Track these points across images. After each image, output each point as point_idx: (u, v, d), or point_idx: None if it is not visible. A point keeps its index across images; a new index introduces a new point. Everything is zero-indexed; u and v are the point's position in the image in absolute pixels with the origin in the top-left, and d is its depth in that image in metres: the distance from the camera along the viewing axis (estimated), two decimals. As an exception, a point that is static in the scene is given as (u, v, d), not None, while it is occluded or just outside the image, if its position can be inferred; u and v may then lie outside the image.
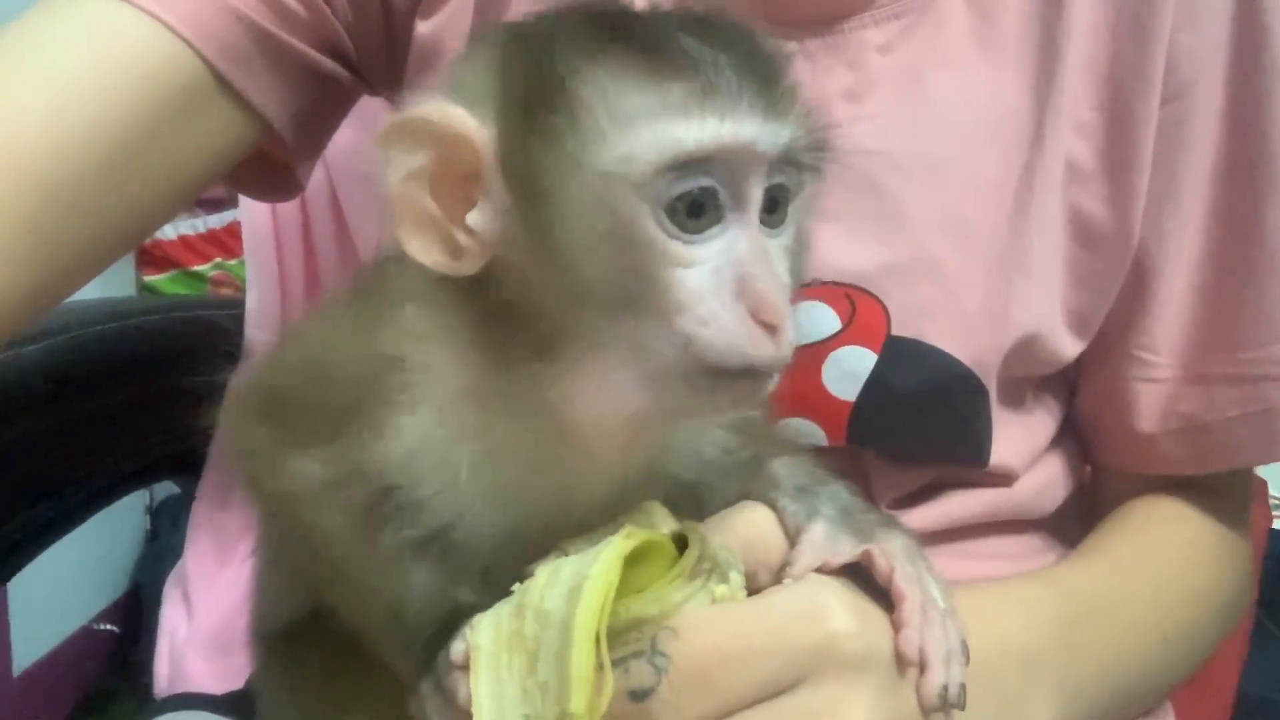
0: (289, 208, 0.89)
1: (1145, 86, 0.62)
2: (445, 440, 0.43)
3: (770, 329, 0.39)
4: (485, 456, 0.43)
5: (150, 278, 2.12)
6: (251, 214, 0.90)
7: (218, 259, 2.12)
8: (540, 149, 0.39)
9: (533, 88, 0.40)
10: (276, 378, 0.46)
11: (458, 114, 0.40)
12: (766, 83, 0.40)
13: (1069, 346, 0.65)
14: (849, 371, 0.61)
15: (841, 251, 0.60)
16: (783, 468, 0.47)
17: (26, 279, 0.55)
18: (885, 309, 0.61)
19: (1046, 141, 0.62)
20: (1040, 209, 0.62)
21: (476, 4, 0.66)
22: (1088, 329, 0.66)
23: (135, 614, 1.95)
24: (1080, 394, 0.71)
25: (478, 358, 0.43)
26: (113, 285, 1.93)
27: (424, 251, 0.41)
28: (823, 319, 0.61)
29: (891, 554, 0.45)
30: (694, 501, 0.48)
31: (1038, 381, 0.69)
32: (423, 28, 0.67)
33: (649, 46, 0.40)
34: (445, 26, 0.66)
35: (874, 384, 0.61)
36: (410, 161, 0.40)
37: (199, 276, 2.14)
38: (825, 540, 0.45)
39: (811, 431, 0.63)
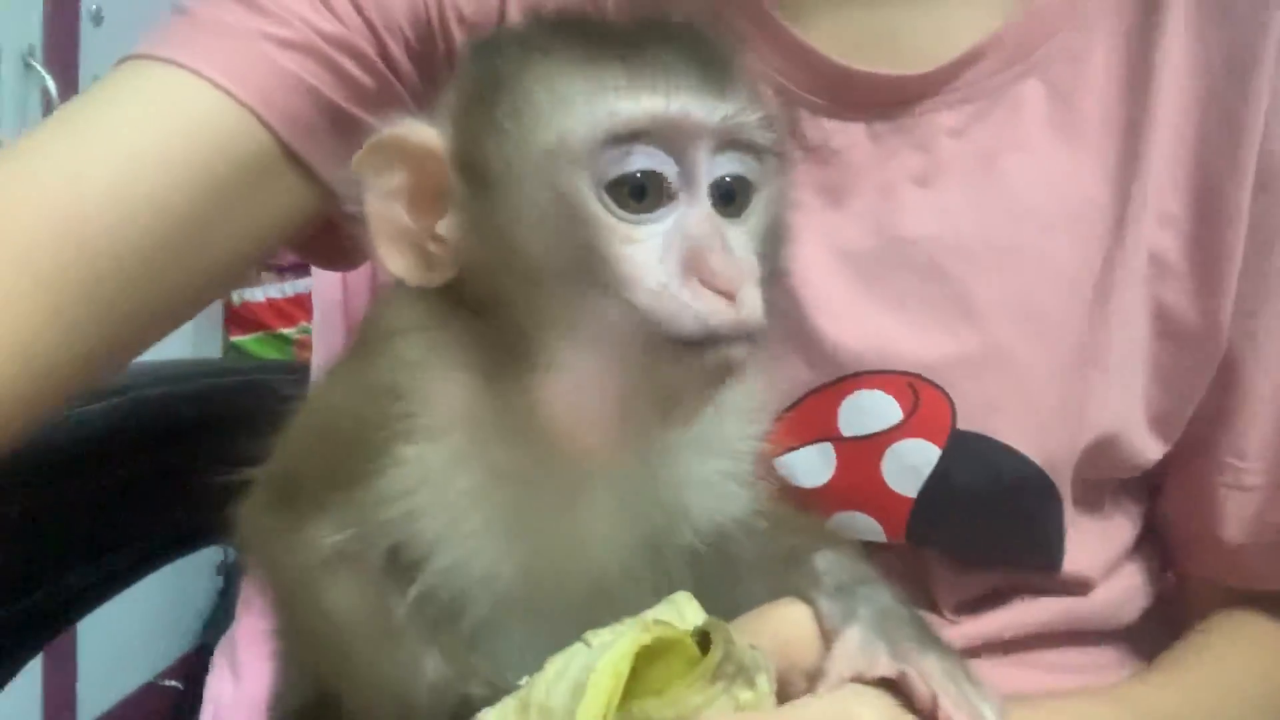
0: (359, 275, 0.89)
1: (1236, 177, 0.59)
2: (444, 468, 0.43)
3: (725, 295, 0.39)
4: (484, 484, 0.43)
5: (237, 338, 2.17)
6: (322, 280, 0.90)
7: (303, 322, 2.16)
8: (488, 139, 0.41)
9: (481, 85, 0.43)
10: (286, 458, 0.46)
11: (423, 130, 0.43)
12: (707, 63, 0.42)
13: (1151, 448, 0.62)
14: (910, 465, 0.58)
15: (905, 339, 0.58)
16: (824, 562, 0.45)
17: (84, 347, 0.55)
18: (950, 401, 0.58)
19: (1128, 232, 0.59)
20: (1120, 302, 0.59)
21: None
22: (1172, 430, 0.62)
23: (200, 671, 1.95)
24: (1164, 498, 0.67)
25: (470, 380, 0.43)
26: (201, 345, 1.98)
27: (401, 266, 0.43)
28: (883, 409, 0.58)
29: (930, 676, 0.42)
30: (725, 565, 0.46)
31: (1117, 484, 0.65)
32: None
33: (590, 37, 0.42)
34: None
35: (937, 480, 0.58)
36: (387, 181, 0.43)
37: (284, 339, 2.18)
38: (860, 648, 0.42)
39: (869, 527, 0.60)
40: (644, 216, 0.40)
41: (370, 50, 0.63)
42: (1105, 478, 0.63)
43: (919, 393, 0.58)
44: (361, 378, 0.45)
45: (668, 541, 0.46)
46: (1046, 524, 0.60)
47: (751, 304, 0.39)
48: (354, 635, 0.43)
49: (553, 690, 0.37)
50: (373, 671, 0.42)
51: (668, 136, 0.40)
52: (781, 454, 0.59)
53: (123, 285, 0.56)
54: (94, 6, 1.52)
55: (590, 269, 0.40)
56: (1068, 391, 0.58)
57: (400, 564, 0.43)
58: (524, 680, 0.39)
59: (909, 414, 0.58)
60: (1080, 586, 0.62)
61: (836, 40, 0.61)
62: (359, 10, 0.62)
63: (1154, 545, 0.68)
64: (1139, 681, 0.61)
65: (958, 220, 0.60)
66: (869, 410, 0.58)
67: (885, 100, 0.61)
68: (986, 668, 0.44)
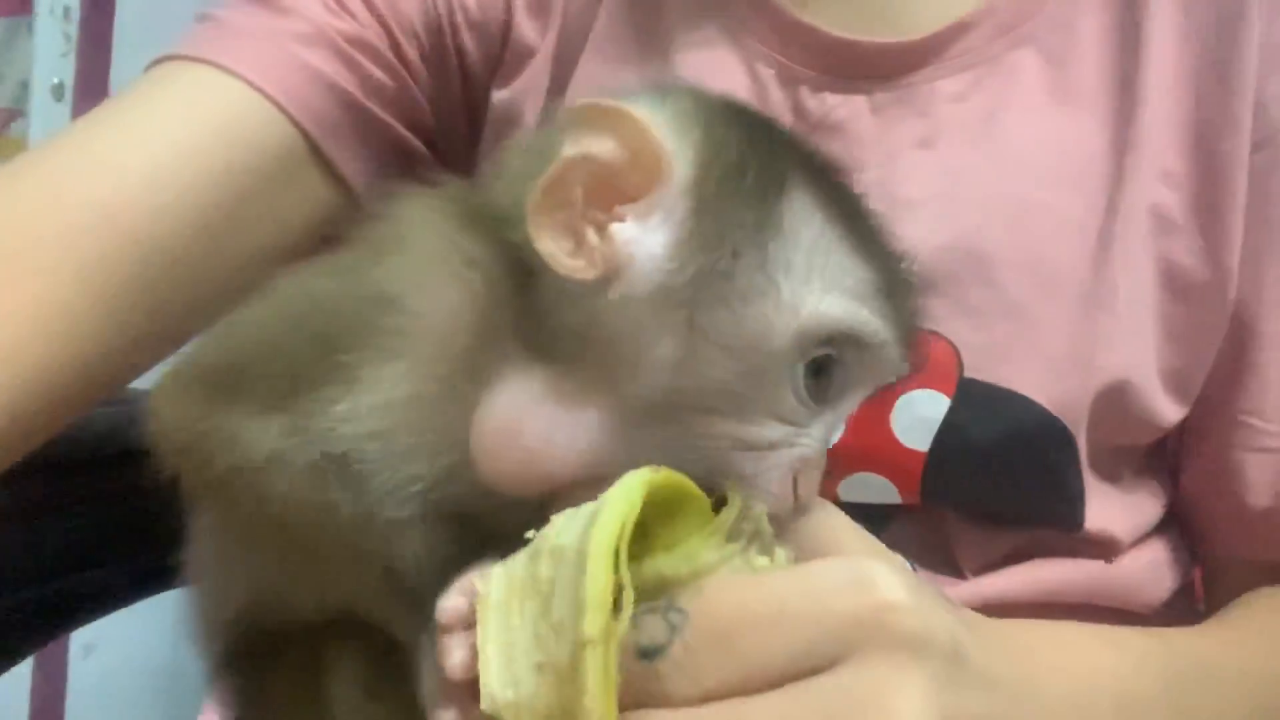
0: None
1: (1233, 133, 0.60)
2: (424, 403, 0.40)
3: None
4: (451, 436, 0.40)
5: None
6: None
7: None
8: (739, 241, 0.38)
9: (752, 183, 0.39)
10: (235, 346, 0.44)
11: (661, 135, 0.38)
12: (914, 296, 0.43)
13: (1167, 409, 0.60)
14: (920, 417, 0.57)
15: None
16: None
17: (131, 333, 0.56)
18: (955, 349, 0.57)
19: (1128, 187, 0.59)
20: (1124, 251, 0.59)
21: (552, 72, 0.67)
22: (1187, 392, 0.61)
23: None
24: (1184, 474, 0.65)
25: (475, 330, 0.40)
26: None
27: (546, 234, 0.38)
28: None
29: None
30: None
31: (1139, 459, 0.63)
32: (499, 96, 0.68)
33: (857, 220, 0.42)
34: (521, 94, 0.68)
35: (948, 431, 0.57)
36: (590, 145, 0.37)
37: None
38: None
39: (884, 487, 0.58)
40: (809, 411, 0.40)
41: (385, 48, 0.65)
42: (1124, 444, 0.61)
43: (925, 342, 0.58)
44: (358, 280, 0.42)
45: None
46: (1064, 474, 0.58)
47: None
48: (318, 519, 0.40)
49: (563, 531, 0.35)
50: (347, 550, 0.40)
51: (867, 360, 0.41)
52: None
53: (165, 271, 0.57)
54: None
55: (726, 428, 0.39)
56: (1077, 336, 0.58)
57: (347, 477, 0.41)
58: (529, 534, 0.37)
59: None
60: (1106, 549, 0.60)
61: (832, 16, 0.63)
62: (371, 10, 0.65)
63: (1179, 533, 0.66)
64: (1179, 629, 0.58)
65: (960, 176, 0.60)
66: None
67: (885, 70, 0.62)
68: None
